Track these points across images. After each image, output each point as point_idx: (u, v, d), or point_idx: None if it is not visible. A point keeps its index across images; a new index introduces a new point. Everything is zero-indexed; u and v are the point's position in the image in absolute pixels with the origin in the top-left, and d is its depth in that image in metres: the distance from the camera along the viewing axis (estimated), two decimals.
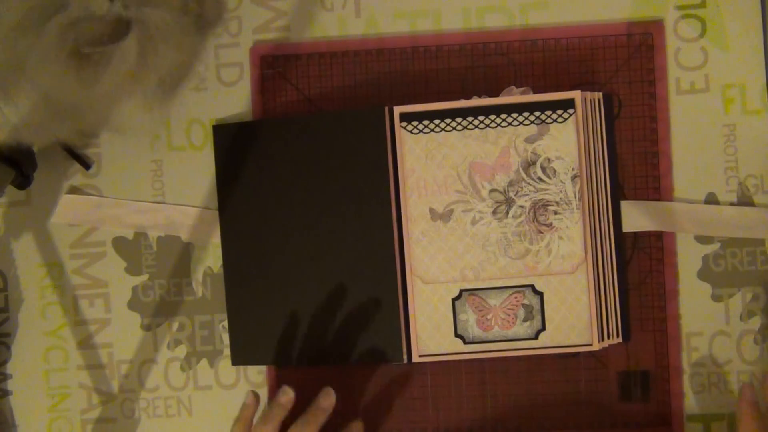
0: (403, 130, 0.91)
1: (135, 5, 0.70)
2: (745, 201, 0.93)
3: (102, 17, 0.68)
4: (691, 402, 0.93)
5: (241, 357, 0.94)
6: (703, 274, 0.93)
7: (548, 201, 0.89)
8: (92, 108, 0.78)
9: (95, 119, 0.84)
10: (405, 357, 0.91)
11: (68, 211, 0.97)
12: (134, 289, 0.97)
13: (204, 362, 0.97)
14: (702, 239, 0.93)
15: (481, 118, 0.90)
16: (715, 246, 0.93)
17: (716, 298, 0.93)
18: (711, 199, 0.93)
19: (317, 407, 0.88)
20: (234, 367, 0.96)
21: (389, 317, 0.91)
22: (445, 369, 0.94)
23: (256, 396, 0.89)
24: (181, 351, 0.97)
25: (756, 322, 0.93)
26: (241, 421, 0.87)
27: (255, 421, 0.88)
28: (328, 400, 0.89)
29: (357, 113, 0.92)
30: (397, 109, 0.91)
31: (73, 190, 0.97)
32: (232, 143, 0.94)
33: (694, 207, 0.93)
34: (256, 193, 0.93)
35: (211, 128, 0.96)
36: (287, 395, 0.88)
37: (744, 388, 0.87)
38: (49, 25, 0.67)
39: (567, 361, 0.93)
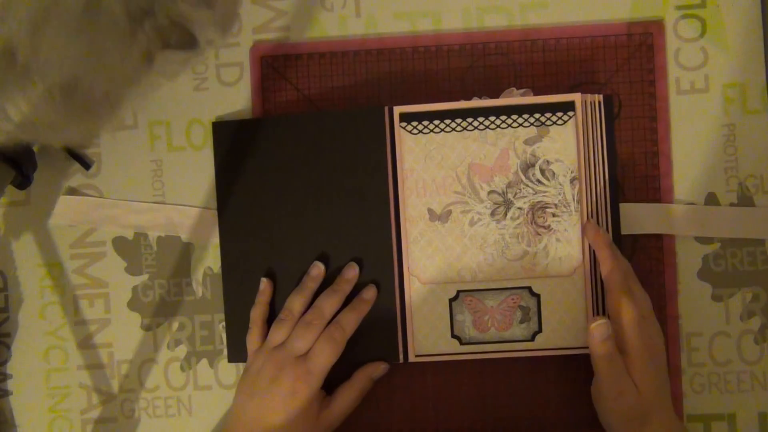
0: (403, 131, 0.91)
1: (198, 7, 0.72)
2: (745, 201, 0.93)
3: (181, 25, 0.70)
4: (691, 402, 0.93)
5: (238, 354, 0.94)
6: (703, 274, 0.93)
7: (547, 203, 0.89)
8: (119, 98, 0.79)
9: (109, 116, 0.85)
10: (401, 357, 0.91)
11: (66, 211, 0.97)
12: (134, 289, 0.97)
13: (204, 362, 0.97)
14: (702, 239, 0.93)
15: (480, 119, 0.90)
16: (715, 246, 0.93)
17: (716, 298, 0.93)
18: (711, 200, 0.93)
19: (342, 279, 0.92)
20: (234, 368, 0.96)
21: (386, 317, 0.91)
22: (444, 369, 0.94)
23: (270, 282, 0.94)
24: (181, 351, 0.97)
25: (756, 322, 0.93)
26: (303, 291, 0.92)
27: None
28: (352, 271, 0.92)
29: (357, 113, 0.92)
30: (397, 110, 0.91)
31: (73, 191, 0.97)
32: (232, 141, 0.94)
33: (694, 209, 0.93)
34: (254, 191, 0.93)
35: (210, 128, 0.96)
36: (318, 268, 0.92)
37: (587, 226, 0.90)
38: (142, 30, 0.68)
39: (567, 361, 0.92)
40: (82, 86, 0.70)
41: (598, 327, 0.85)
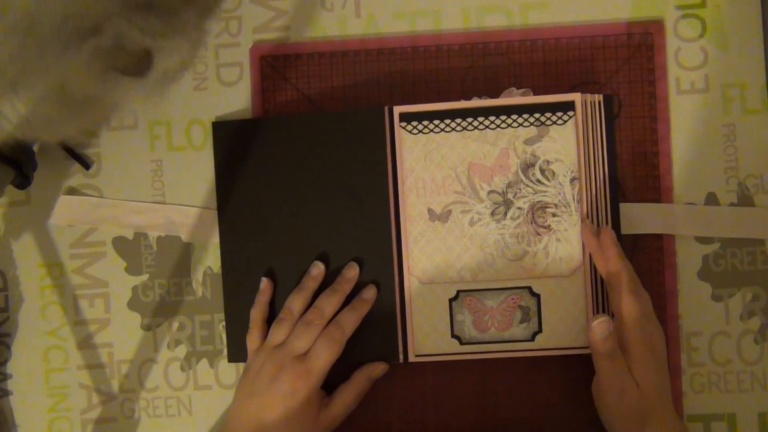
0: (403, 131, 0.91)
1: (158, 36, 0.71)
2: (745, 201, 0.93)
3: (130, 50, 0.69)
4: (691, 402, 0.93)
5: (238, 354, 0.94)
6: (703, 274, 0.93)
7: (546, 203, 0.89)
8: (104, 102, 0.79)
9: (103, 114, 0.85)
10: (401, 357, 0.91)
11: (66, 212, 0.97)
12: (134, 289, 0.97)
13: (204, 362, 0.97)
14: (702, 239, 0.93)
15: (480, 119, 0.90)
16: (715, 246, 0.93)
17: (716, 298, 0.93)
18: (711, 199, 0.93)
19: (342, 278, 0.92)
20: (234, 368, 0.96)
21: (386, 317, 0.91)
22: (444, 369, 0.94)
23: (270, 282, 0.94)
24: (181, 351, 0.97)
25: (756, 322, 0.93)
26: (303, 291, 0.92)
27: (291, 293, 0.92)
28: (352, 271, 0.92)
29: (357, 113, 0.92)
30: (397, 109, 0.91)
31: (73, 190, 0.97)
32: (232, 141, 0.94)
33: (694, 209, 0.93)
34: (254, 191, 0.93)
35: (210, 128, 0.96)
36: (318, 268, 0.92)
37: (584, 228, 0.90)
38: (83, 47, 0.68)
39: (567, 361, 0.92)
40: (71, 88, 0.70)
41: (600, 324, 0.85)
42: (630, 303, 0.85)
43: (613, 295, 0.87)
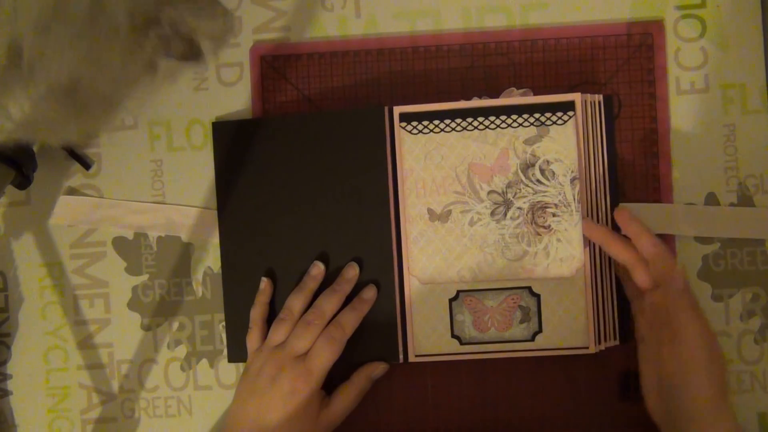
0: (403, 131, 0.91)
1: (204, 19, 0.72)
2: (745, 201, 0.93)
3: (185, 36, 0.70)
4: None
5: (238, 354, 0.94)
6: (703, 274, 0.93)
7: (547, 203, 0.89)
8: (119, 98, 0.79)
9: (110, 115, 0.86)
10: (401, 357, 0.91)
11: (66, 212, 0.97)
12: (134, 289, 0.97)
13: (204, 362, 0.97)
14: (702, 239, 0.93)
15: (480, 119, 0.90)
16: (715, 246, 0.93)
17: (716, 298, 0.93)
18: (711, 200, 0.93)
19: (342, 278, 0.92)
20: (234, 368, 0.96)
21: (386, 317, 0.91)
22: (444, 369, 0.94)
23: (270, 281, 0.94)
24: (181, 351, 0.97)
25: (756, 322, 0.93)
26: (303, 291, 0.92)
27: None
28: (352, 271, 0.92)
29: (357, 113, 0.92)
30: (397, 109, 0.91)
31: (73, 190, 0.97)
32: (232, 141, 0.94)
33: (694, 209, 0.93)
34: (254, 191, 0.93)
35: (210, 128, 0.96)
36: (318, 268, 0.92)
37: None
38: (148, 40, 0.69)
39: (567, 361, 0.92)
40: (83, 87, 0.70)
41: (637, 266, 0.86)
42: (675, 272, 0.84)
43: (656, 265, 0.85)
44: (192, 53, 0.72)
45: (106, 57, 0.69)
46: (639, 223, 0.87)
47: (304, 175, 0.93)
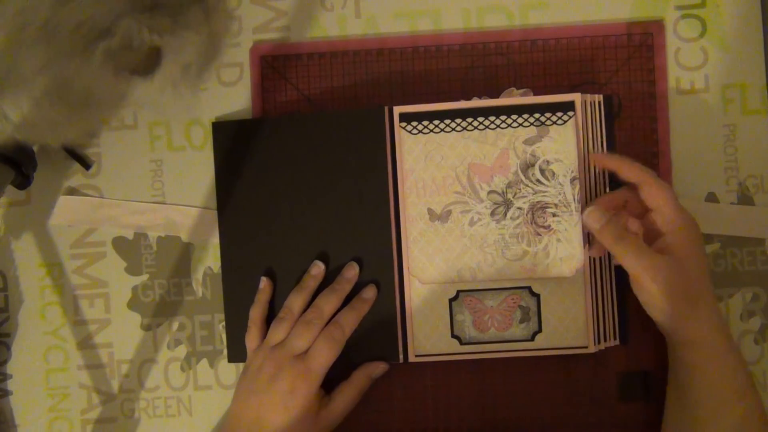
0: (403, 131, 0.91)
1: (165, 34, 0.71)
2: (745, 201, 0.93)
3: (138, 50, 0.70)
4: None
5: (237, 354, 0.94)
6: None
7: (546, 203, 0.89)
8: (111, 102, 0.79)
9: (107, 115, 0.86)
10: (401, 357, 0.91)
11: (66, 212, 0.97)
12: (134, 289, 0.97)
13: (204, 362, 0.97)
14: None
15: (480, 119, 0.90)
16: (716, 246, 0.93)
17: (716, 298, 0.93)
18: (711, 199, 0.93)
19: (342, 278, 0.92)
20: (234, 367, 0.96)
21: (386, 316, 0.91)
22: (445, 369, 0.94)
23: (269, 281, 0.94)
24: (181, 351, 0.97)
25: (756, 322, 0.93)
26: (303, 290, 0.92)
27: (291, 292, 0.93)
28: (351, 271, 0.92)
29: (357, 113, 0.92)
30: (397, 109, 0.91)
31: (73, 191, 0.97)
32: (232, 141, 0.94)
33: (694, 205, 0.92)
34: (254, 191, 0.93)
35: (210, 128, 0.96)
36: (318, 268, 0.92)
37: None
38: (96, 51, 0.68)
39: (567, 361, 0.93)
40: (74, 88, 0.70)
41: (590, 214, 0.86)
42: (661, 188, 0.84)
43: (645, 188, 0.85)
44: (144, 68, 0.72)
45: (61, 65, 0.69)
46: (618, 156, 0.88)
47: (304, 175, 0.93)
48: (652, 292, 0.83)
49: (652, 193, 0.84)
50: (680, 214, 0.84)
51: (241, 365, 0.96)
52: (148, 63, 0.71)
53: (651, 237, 0.85)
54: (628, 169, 0.86)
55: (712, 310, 0.84)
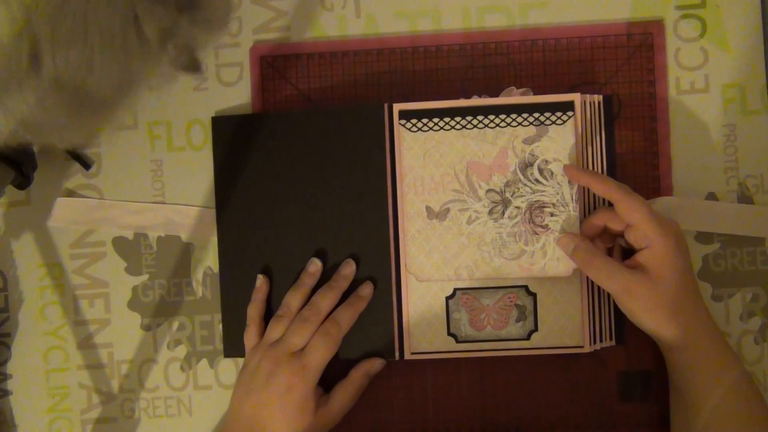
0: (402, 128, 0.91)
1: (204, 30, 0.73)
2: (744, 201, 0.93)
3: (191, 49, 0.71)
4: None
5: (234, 349, 0.94)
6: (703, 274, 0.93)
7: (545, 203, 0.89)
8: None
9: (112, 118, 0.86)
10: (397, 354, 0.91)
11: (64, 213, 0.97)
12: (134, 289, 0.97)
13: (204, 362, 0.97)
14: (702, 239, 0.93)
15: (480, 117, 0.90)
16: (715, 246, 0.93)
17: (716, 298, 0.93)
18: (711, 199, 0.93)
19: (339, 275, 0.92)
20: (234, 367, 0.96)
21: (383, 314, 0.92)
22: (443, 368, 0.94)
23: (266, 278, 0.94)
24: (181, 351, 0.97)
25: (756, 322, 0.93)
26: (300, 288, 0.92)
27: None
28: (349, 268, 0.92)
29: (356, 110, 0.93)
30: (397, 107, 0.91)
31: (73, 191, 0.97)
32: (231, 136, 0.94)
33: (694, 203, 0.92)
34: (253, 187, 0.94)
35: (210, 128, 0.96)
36: (315, 265, 0.92)
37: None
38: (165, 51, 0.69)
39: (567, 361, 0.92)
40: (92, 92, 0.70)
41: (561, 241, 0.88)
42: (633, 204, 0.84)
43: (620, 204, 0.85)
44: (194, 65, 0.73)
45: (134, 69, 0.69)
46: (591, 172, 0.89)
47: (302, 172, 0.93)
48: (629, 309, 0.85)
49: (626, 210, 0.85)
50: (655, 227, 0.84)
51: (239, 363, 0.96)
52: (196, 60, 0.72)
53: (635, 250, 0.86)
54: (600, 186, 0.87)
55: (695, 316, 0.85)
